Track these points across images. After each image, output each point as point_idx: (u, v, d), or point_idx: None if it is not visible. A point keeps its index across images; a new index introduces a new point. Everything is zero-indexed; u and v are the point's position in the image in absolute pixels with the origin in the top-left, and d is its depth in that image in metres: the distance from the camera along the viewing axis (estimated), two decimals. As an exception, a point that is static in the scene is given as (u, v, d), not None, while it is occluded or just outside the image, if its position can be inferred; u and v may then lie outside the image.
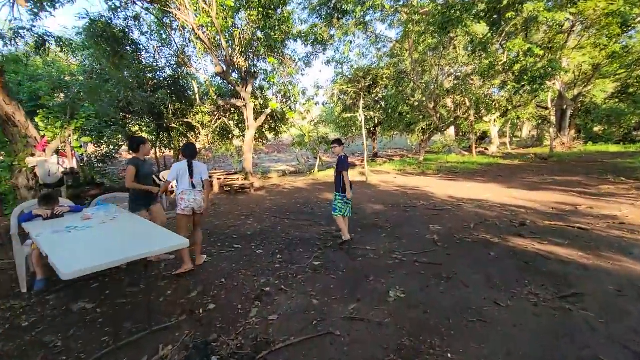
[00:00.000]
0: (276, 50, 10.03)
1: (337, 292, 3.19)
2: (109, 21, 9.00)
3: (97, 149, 12.14)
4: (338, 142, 4.89)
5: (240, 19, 10.45)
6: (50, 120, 6.09)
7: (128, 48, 9.98)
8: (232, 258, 4.18)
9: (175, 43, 12.15)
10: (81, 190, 11.51)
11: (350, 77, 13.71)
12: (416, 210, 6.44)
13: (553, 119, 21.57)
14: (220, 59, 9.95)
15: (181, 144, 16.72)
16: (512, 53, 14.25)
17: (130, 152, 3.97)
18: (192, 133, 15.92)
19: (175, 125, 14.64)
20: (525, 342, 2.30)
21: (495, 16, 16.45)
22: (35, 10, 7.24)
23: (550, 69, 13.23)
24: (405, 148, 29.71)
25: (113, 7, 9.10)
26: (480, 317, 2.64)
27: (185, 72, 13.38)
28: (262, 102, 10.75)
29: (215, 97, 11.75)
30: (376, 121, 19.05)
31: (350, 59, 16.53)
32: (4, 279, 3.71)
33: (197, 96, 11.68)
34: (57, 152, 5.79)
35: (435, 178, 11.23)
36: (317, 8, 14.35)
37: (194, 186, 3.85)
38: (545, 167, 13.09)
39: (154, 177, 7.68)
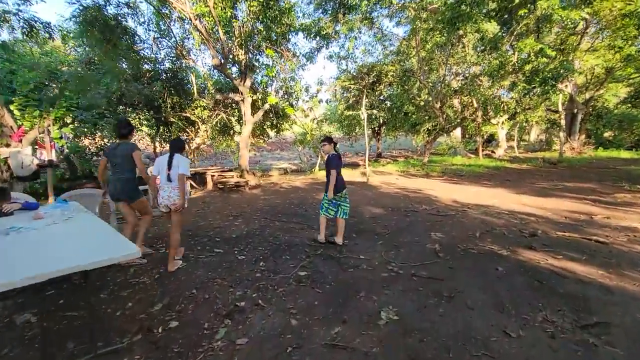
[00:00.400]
0: (276, 43, 9.62)
1: (320, 310, 2.78)
2: (101, 7, 8.64)
3: (92, 141, 11.86)
4: (328, 140, 4.59)
5: (240, 10, 10.05)
6: (27, 110, 5.74)
7: (122, 37, 9.62)
8: (210, 264, 3.78)
9: (174, 35, 11.79)
10: (77, 184, 11.23)
11: (354, 73, 13.24)
12: (417, 215, 6.00)
13: (563, 122, 20.91)
14: (217, 50, 9.57)
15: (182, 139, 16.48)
16: (523, 54, 13.69)
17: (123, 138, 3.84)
18: (192, 128, 15.61)
19: (174, 120, 14.32)
20: (543, 388, 1.87)
21: (506, 16, 15.95)
22: (22, -7, 6.91)
23: (562, 71, 12.68)
24: (410, 149, 29.16)
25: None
26: (486, 350, 2.21)
27: (184, 65, 13.03)
28: (261, 97, 10.34)
29: (213, 91, 11.36)
30: (381, 121, 18.58)
31: (355, 55, 16.12)
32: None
33: (195, 89, 11.31)
34: (34, 142, 5.44)
35: (440, 181, 10.75)
36: (323, 2, 13.91)
37: (169, 179, 3.61)
38: (555, 172, 12.54)
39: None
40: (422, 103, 16.47)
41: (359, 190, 8.86)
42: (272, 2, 9.04)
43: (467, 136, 24.12)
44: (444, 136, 19.51)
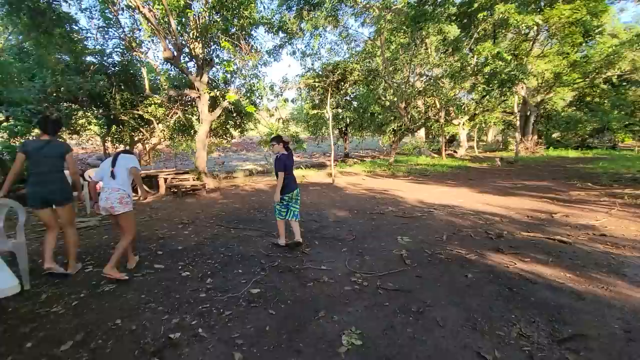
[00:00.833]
0: (236, 37, 9.02)
1: (272, 337, 2.35)
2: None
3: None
4: (277, 139, 4.26)
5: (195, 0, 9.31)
6: None
7: (56, 24, 8.51)
8: (146, 285, 3.21)
9: (122, 24, 10.75)
10: (17, 187, 9.86)
11: (319, 71, 12.92)
12: (384, 217, 5.74)
13: (517, 124, 22.08)
14: (169, 42, 8.79)
15: (135, 139, 15.21)
16: (482, 57, 14.13)
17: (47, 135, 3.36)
18: (147, 127, 14.48)
19: (125, 118, 13.16)
20: None
21: (465, 20, 16.47)
22: None
23: (518, 73, 13.22)
24: (377, 149, 29.49)
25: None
26: (461, 380, 1.91)
27: (135, 58, 11.97)
28: (220, 94, 9.66)
29: (166, 87, 10.49)
30: (348, 121, 18.47)
31: (320, 54, 15.84)
32: None
33: (147, 85, 10.37)
34: None
35: (406, 181, 10.71)
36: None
37: (113, 176, 3.34)
38: (513, 171, 13.04)
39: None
40: (387, 103, 16.53)
41: (325, 192, 8.52)
42: (229, -8, 8.43)
43: (430, 136, 24.78)
44: (409, 136, 19.80)
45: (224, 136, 17.35)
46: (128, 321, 2.57)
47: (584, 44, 19.10)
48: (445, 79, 14.95)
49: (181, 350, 2.22)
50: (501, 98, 18.10)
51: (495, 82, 13.61)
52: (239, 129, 16.62)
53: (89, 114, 13.35)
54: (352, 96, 19.20)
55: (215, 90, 9.58)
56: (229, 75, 11.24)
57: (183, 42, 9.71)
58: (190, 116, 14.56)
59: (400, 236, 4.62)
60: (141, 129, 14.27)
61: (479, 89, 15.08)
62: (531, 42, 20.02)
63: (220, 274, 3.46)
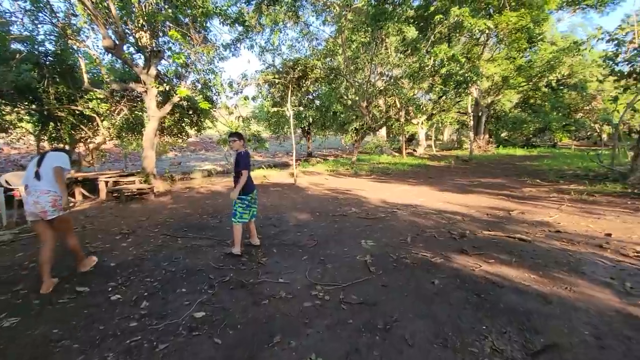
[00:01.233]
0: (187, 27, 8.30)
1: (215, 376, 1.95)
2: None
3: None
4: (237, 135, 3.97)
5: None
6: None
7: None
8: (62, 314, 2.63)
9: (54, 9, 9.49)
10: None
11: (279, 67, 12.47)
12: (347, 220, 5.50)
13: (471, 124, 23.26)
14: (109, 29, 7.87)
15: (76, 138, 13.69)
16: (438, 59, 14.55)
17: None
18: (90, 124, 13.07)
19: (62, 114, 11.74)
20: None
21: (422, 23, 16.94)
22: None
23: (472, 75, 13.77)
24: (340, 148, 29.56)
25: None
26: (435, 414, 1.65)
27: (71, 47, 10.67)
28: (168, 88, 8.84)
29: (109, 80, 9.45)
30: (310, 120, 18.18)
31: (281, 50, 15.37)
32: None
33: (86, 77, 9.25)
34: None
35: (368, 180, 10.64)
36: (247, -7, 12.83)
37: (38, 177, 3.04)
38: (468, 168, 13.57)
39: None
40: (349, 102, 16.50)
41: (286, 194, 8.13)
42: (179, -22, 7.72)
43: (391, 135, 25.30)
44: (371, 135, 20.00)
45: (179, 135, 16.29)
46: (27, 368, 2.02)
47: (528, 50, 20.47)
48: (405, 79, 15.21)
49: (95, 405, 1.74)
50: (456, 99, 18.87)
51: (451, 83, 14.07)
52: (196, 127, 15.68)
53: (20, 109, 11.76)
54: (314, 95, 18.96)
55: (165, 84, 8.74)
56: (181, 69, 10.41)
57: (127, 30, 8.78)
58: (140, 113, 13.40)
59: (364, 240, 4.38)
60: (82, 126, 12.85)
61: (437, 89, 15.53)
62: (482, 47, 21.14)
63: (159, 295, 2.96)
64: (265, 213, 6.02)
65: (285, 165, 15.80)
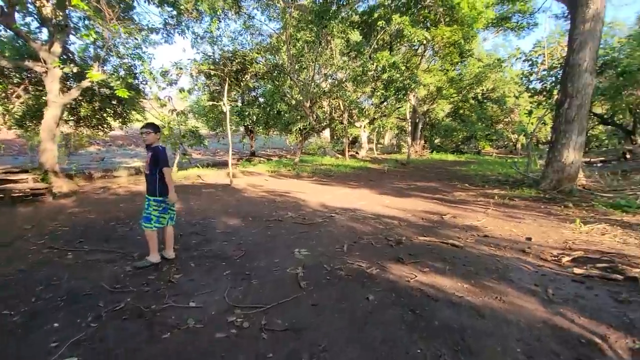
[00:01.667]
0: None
1: None
2: None
3: None
4: (153, 127, 3.39)
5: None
6: None
7: None
8: None
9: None
10: None
11: (217, 59, 11.56)
12: (281, 225, 5.08)
13: (409, 129, 24.53)
14: (-5, -8, 6.38)
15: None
16: (380, 65, 14.94)
17: None
18: (-24, 109, 10.76)
19: None
20: None
21: (366, 30, 17.32)
22: None
23: (411, 83, 14.37)
24: (285, 148, 29.03)
25: None
26: None
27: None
28: (76, 70, 7.49)
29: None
30: (254, 118, 17.38)
31: (222, 42, 14.37)
32: None
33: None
34: None
35: (310, 182, 10.36)
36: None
37: None
38: (406, 172, 14.10)
39: None
40: (293, 102, 16.12)
41: (219, 196, 7.43)
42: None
43: (335, 137, 25.55)
44: (314, 136, 19.85)
45: (99, 127, 14.32)
46: None
47: (459, 64, 22.20)
48: (349, 82, 15.34)
49: None
50: (396, 105, 19.65)
51: (392, 89, 14.53)
52: (120, 120, 13.91)
53: None
54: (258, 92, 18.22)
55: (71, 65, 7.39)
56: (101, 52, 8.96)
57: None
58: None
59: (298, 249, 4.00)
60: (-37, 110, 10.54)
61: (378, 94, 15.92)
62: (420, 58, 22.42)
63: (18, 333, 2.22)
64: (190, 218, 5.33)
65: (225, 165, 14.81)
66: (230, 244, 4.18)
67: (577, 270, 3.35)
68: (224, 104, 9.25)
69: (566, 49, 8.87)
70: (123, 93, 6.88)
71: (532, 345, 2.20)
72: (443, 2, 15.56)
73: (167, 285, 2.98)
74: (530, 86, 14.46)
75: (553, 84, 12.51)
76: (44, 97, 11.07)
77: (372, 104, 20.48)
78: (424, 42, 16.50)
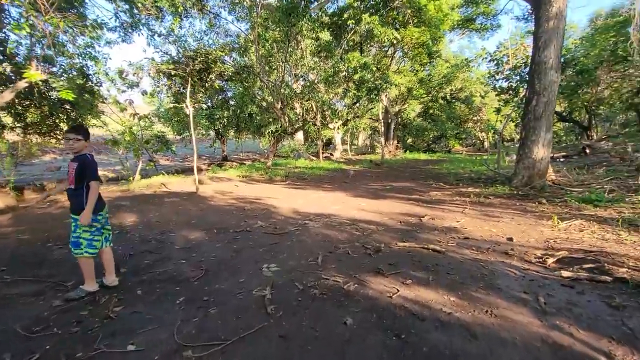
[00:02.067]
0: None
1: None
2: None
3: None
4: (81, 132, 2.82)
5: None
6: None
7: None
8: None
9: None
10: None
11: (179, 58, 10.85)
12: (250, 237, 4.61)
13: (382, 130, 24.67)
14: None
15: None
16: (351, 66, 14.78)
17: None
18: None
19: None
20: None
21: (336, 31, 17.15)
22: None
23: (383, 83, 14.29)
24: (258, 152, 28.30)
25: None
26: None
27: None
28: (9, 70, 6.63)
29: None
30: (225, 121, 16.64)
31: (185, 41, 13.60)
32: None
33: None
34: None
35: (282, 186, 9.90)
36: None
37: None
38: (381, 172, 13.97)
39: None
40: (264, 104, 15.61)
41: (182, 205, 6.82)
42: None
43: (309, 139, 25.20)
44: (288, 139, 19.41)
45: (50, 134, 13.09)
46: None
47: (428, 64, 22.58)
48: (321, 83, 15.05)
49: None
50: (369, 105, 19.60)
51: (364, 89, 14.38)
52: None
53: None
54: (228, 95, 17.53)
55: (6, 64, 6.51)
56: (38, 47, 8.02)
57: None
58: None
59: (267, 264, 3.57)
60: None
61: (350, 94, 15.75)
62: (390, 59, 22.58)
63: None
64: (146, 234, 4.73)
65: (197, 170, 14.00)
66: (189, 262, 3.67)
67: (565, 274, 3.15)
68: (186, 106, 8.61)
69: (529, 49, 9.05)
70: (67, 95, 6.13)
71: (534, 372, 1.91)
72: (411, 4, 15.69)
73: (102, 322, 2.44)
74: (497, 85, 14.83)
75: (518, 82, 12.85)
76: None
77: (345, 105, 20.34)
78: (394, 42, 16.53)
